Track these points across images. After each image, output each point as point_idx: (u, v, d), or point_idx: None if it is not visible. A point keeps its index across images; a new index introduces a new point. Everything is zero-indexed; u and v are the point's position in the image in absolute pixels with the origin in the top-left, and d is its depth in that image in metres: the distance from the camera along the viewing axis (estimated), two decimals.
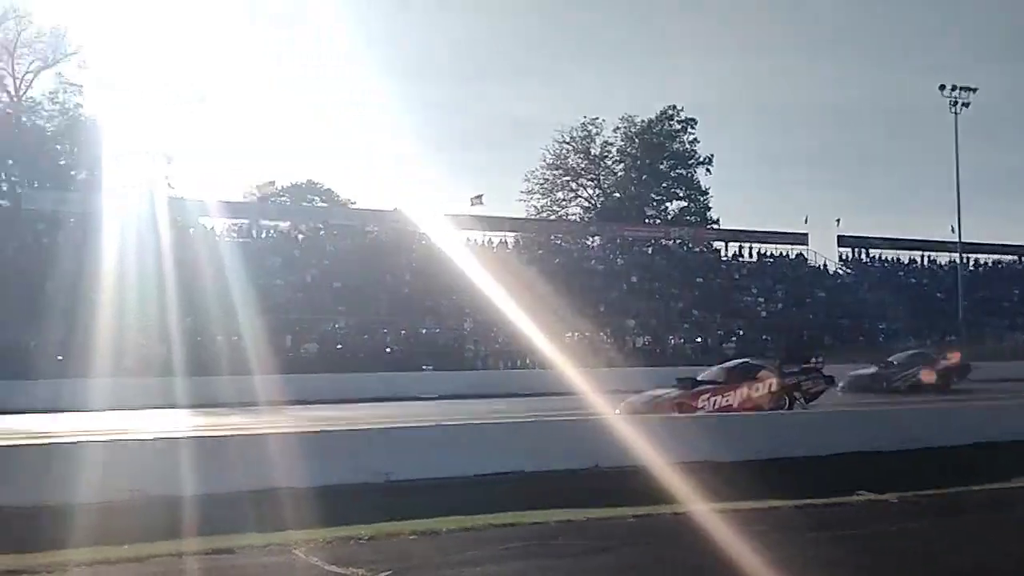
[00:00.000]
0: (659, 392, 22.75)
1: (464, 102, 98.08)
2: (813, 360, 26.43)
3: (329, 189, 64.11)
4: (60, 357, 31.70)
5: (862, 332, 48.16)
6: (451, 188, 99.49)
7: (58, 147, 44.95)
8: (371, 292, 43.55)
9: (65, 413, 24.90)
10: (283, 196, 60.34)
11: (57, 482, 12.63)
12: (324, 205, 60.08)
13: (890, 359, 35.25)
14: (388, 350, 39.70)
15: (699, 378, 23.76)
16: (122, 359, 30.72)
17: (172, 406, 26.81)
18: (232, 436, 16.45)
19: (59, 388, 28.36)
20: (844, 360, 32.99)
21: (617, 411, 20.72)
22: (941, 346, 39.45)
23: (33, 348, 32.50)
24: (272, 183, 57.70)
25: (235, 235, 46.65)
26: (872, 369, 34.49)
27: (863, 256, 60.93)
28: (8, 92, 47.11)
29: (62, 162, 44.20)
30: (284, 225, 50.16)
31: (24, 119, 47.31)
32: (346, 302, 42.48)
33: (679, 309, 49.09)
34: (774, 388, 23.83)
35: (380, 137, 70.42)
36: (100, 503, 12.00)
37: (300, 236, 49.39)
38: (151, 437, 15.68)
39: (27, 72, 47.33)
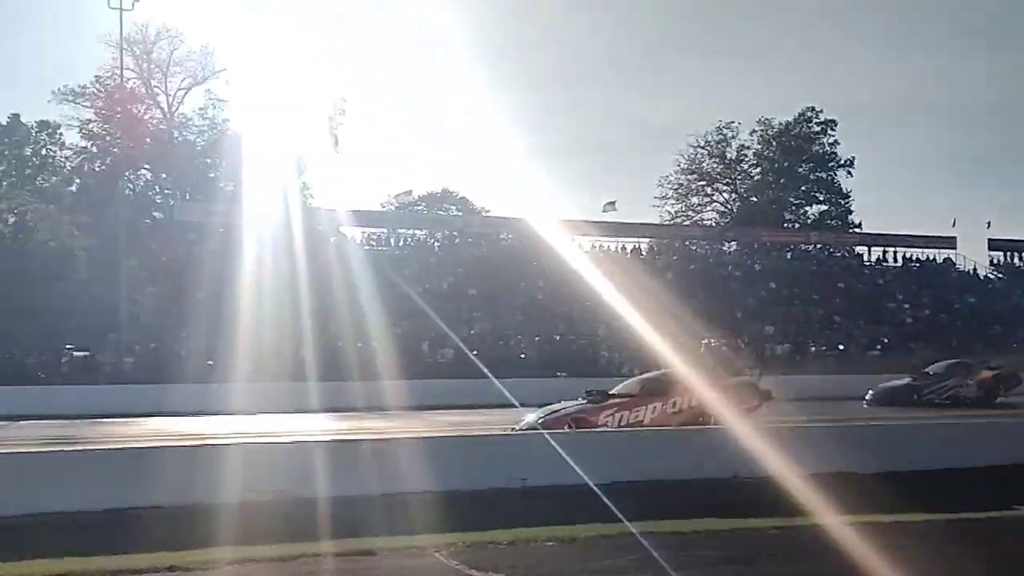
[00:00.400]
0: (559, 406, 21.12)
1: (596, 107, 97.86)
2: (747, 372, 24.48)
3: (464, 198, 65.06)
4: (210, 362, 33.02)
5: (1016, 340, 45.70)
6: (584, 194, 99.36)
7: (207, 160, 46.91)
8: (505, 299, 43.87)
9: (211, 416, 25.92)
10: (419, 205, 61.47)
11: (203, 483, 13.09)
12: (459, 214, 60.86)
13: (926, 369, 32.30)
14: (522, 356, 39.87)
15: (614, 391, 22.19)
16: (265, 365, 31.72)
17: (317, 410, 27.54)
18: (366, 440, 16.73)
19: (206, 392, 29.47)
20: None
21: (514, 428, 19.53)
22: (987, 356, 35.57)
23: (184, 354, 33.92)
24: (408, 192, 58.81)
25: (373, 244, 47.75)
26: (904, 380, 31.65)
27: (1016, 260, 57.90)
28: (161, 109, 49.49)
29: (211, 175, 46.06)
30: (420, 234, 51.04)
31: (176, 134, 49.55)
32: (481, 309, 42.90)
33: (820, 316, 47.67)
34: (694, 403, 21.79)
35: (513, 144, 70.75)
36: (242, 503, 12.35)
37: (436, 244, 50.18)
38: (292, 440, 16.11)
39: (178, 89, 49.70)
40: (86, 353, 37.35)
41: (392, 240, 49.09)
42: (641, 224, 56.12)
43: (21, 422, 26.20)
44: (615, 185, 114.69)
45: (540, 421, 19.76)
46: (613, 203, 51.08)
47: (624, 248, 51.64)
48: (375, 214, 52.08)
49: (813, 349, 43.44)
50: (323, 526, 11.36)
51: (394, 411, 26.79)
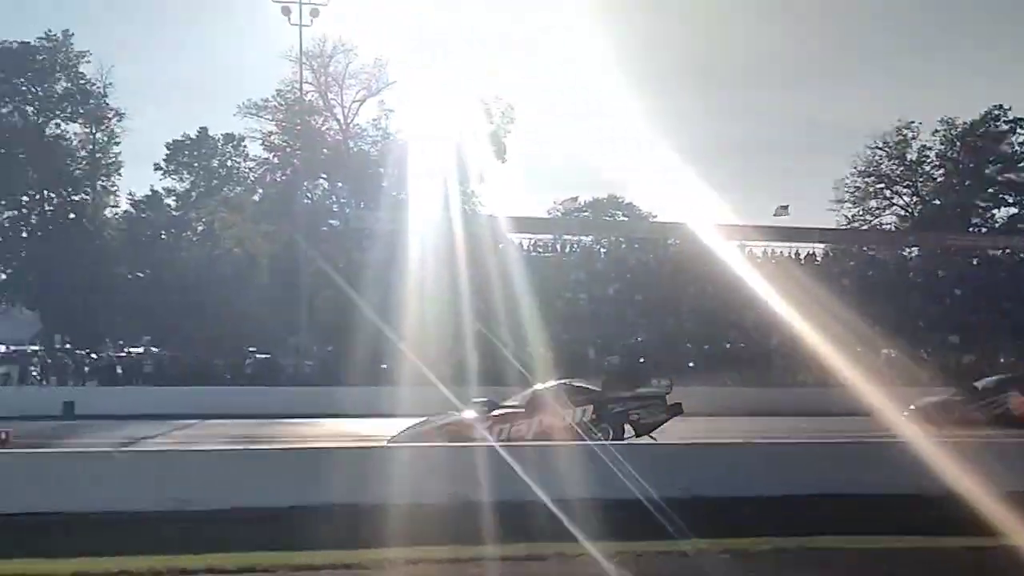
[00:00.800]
0: (438, 419, 20.55)
1: (767, 108, 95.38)
2: (656, 384, 22.90)
3: (630, 203, 64.54)
4: (384, 366, 33.96)
5: None
6: (754, 198, 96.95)
7: (380, 170, 48.26)
8: (673, 305, 43.29)
9: (381, 419, 26.63)
10: (585, 211, 61.42)
11: (375, 483, 13.41)
12: (626, 219, 60.45)
13: (976, 384, 29.66)
14: (691, 364, 39.25)
15: (507, 402, 21.45)
16: (430, 369, 32.33)
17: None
18: (530, 445, 16.80)
19: (376, 395, 30.25)
20: None
21: (388, 441, 18.94)
22: None
23: (357, 357, 34.93)
24: (575, 199, 58.84)
25: (539, 250, 48.00)
26: (942, 397, 28.96)
27: None
28: (337, 120, 51.29)
29: (383, 183, 47.40)
30: (586, 239, 51.00)
31: (351, 144, 51.25)
32: (648, 315, 42.50)
33: (1009, 325, 44.90)
34: (587, 417, 20.95)
35: (681, 147, 69.69)
36: (412, 504, 12.57)
37: (602, 250, 50.01)
38: (460, 444, 16.33)
39: (353, 101, 51.41)
40: (267, 356, 39.11)
41: (558, 246, 49.25)
42: (816, 229, 54.27)
43: (209, 421, 27.63)
44: (787, 188, 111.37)
45: (406, 433, 19.42)
46: (786, 207, 49.57)
47: (797, 254, 50.09)
48: (541, 220, 52.35)
49: (1002, 360, 40.98)
50: (491, 529, 11.43)
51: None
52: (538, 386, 22.32)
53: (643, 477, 13.54)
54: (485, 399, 21.37)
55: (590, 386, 22.66)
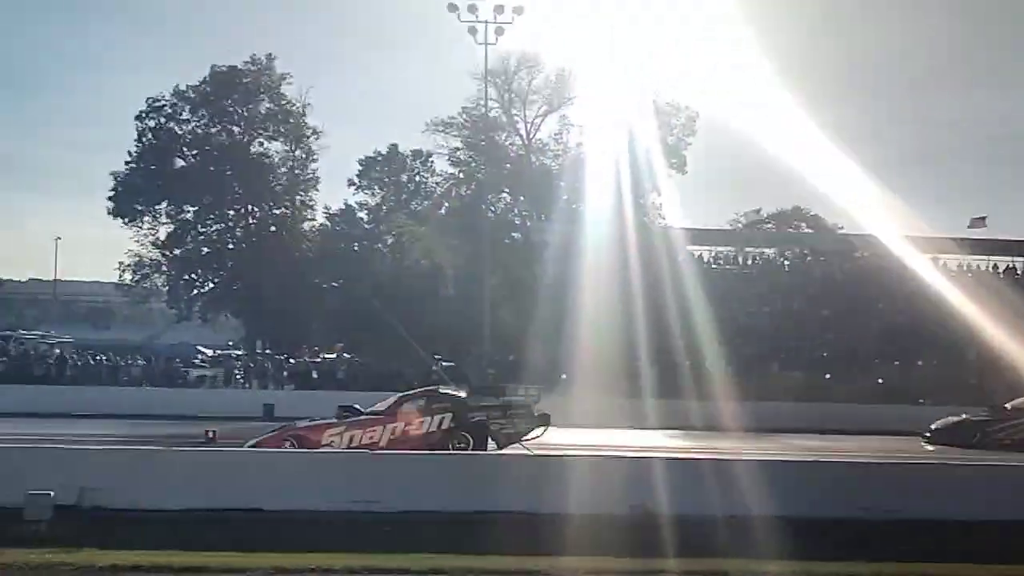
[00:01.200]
0: (296, 424, 20.20)
1: (960, 116, 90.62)
2: (523, 394, 21.98)
3: (815, 215, 62.56)
4: (564, 375, 34.44)
5: None
6: (948, 209, 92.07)
7: (561, 183, 48.85)
8: (861, 320, 41.81)
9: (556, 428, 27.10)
10: (768, 223, 60.04)
11: (552, 492, 13.76)
12: (810, 231, 58.74)
13: (1006, 404, 27.75)
14: (879, 381, 37.89)
15: (369, 408, 20.67)
16: (611, 380, 32.51)
17: (654, 427, 27.91)
18: (710, 459, 16.73)
19: (551, 404, 30.73)
20: None
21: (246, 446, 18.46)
22: None
23: (537, 366, 35.50)
24: (757, 211, 57.68)
25: (721, 263, 47.42)
26: (960, 417, 27.41)
27: None
28: (520, 136, 52.31)
29: (564, 197, 47.95)
30: (769, 252, 49.92)
31: (533, 159, 52.15)
32: (834, 330, 41.25)
33: None
34: (445, 425, 20.41)
35: (867, 157, 67.17)
36: (590, 515, 12.83)
37: (785, 263, 48.87)
38: (640, 456, 16.47)
39: (536, 116, 52.29)
40: (452, 364, 40.29)
41: (740, 259, 48.49)
42: (1016, 241, 51.25)
43: None
44: (983, 199, 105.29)
45: (255, 441, 19.17)
46: (983, 218, 47.06)
47: (995, 267, 47.46)
48: (722, 232, 51.62)
49: None
50: (669, 542, 11.54)
51: (735, 432, 26.50)
52: (404, 393, 22.27)
53: (827, 495, 13.37)
54: (348, 405, 21.22)
55: (456, 394, 22.53)
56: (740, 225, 56.85)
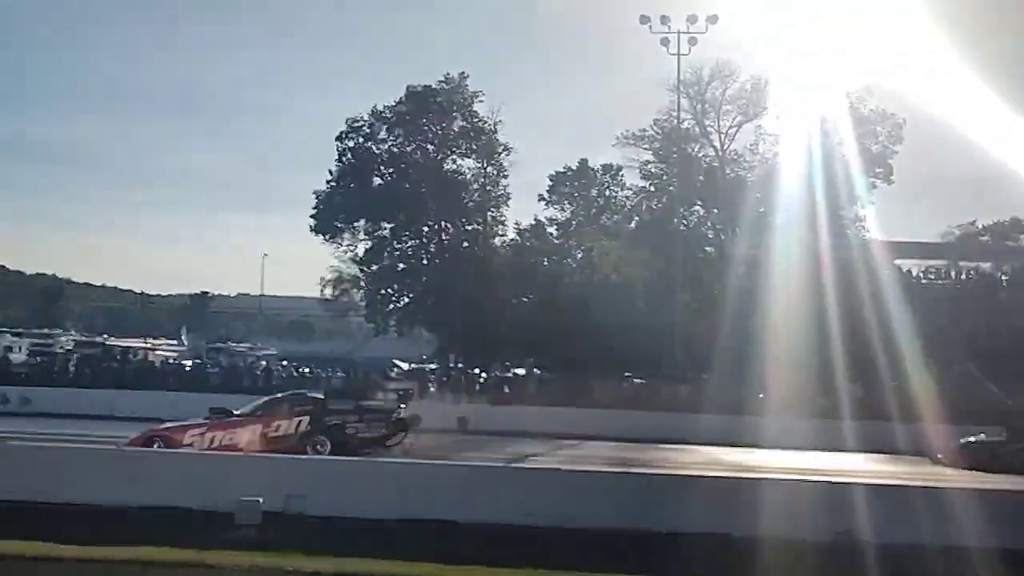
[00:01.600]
0: (166, 425, 20.39)
1: None
2: (383, 399, 22.13)
3: None
4: (761, 395, 33.44)
5: None
6: None
7: (757, 195, 47.52)
8: None
9: (746, 448, 26.30)
10: (984, 235, 56.48)
11: (744, 513, 13.25)
12: None
13: None
14: None
15: (240, 411, 20.53)
16: (810, 401, 31.36)
17: (853, 450, 26.69)
18: (918, 486, 15.78)
19: (737, 424, 30.23)
20: None
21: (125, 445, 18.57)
22: None
23: (730, 386, 34.59)
24: (973, 222, 54.35)
25: (932, 277, 44.97)
26: (979, 437, 25.40)
27: None
28: (713, 147, 51.23)
29: (760, 209, 46.61)
30: (985, 266, 46.92)
31: (727, 171, 50.99)
32: None
33: None
34: (303, 428, 20.89)
35: None
36: (786, 540, 12.27)
37: (1004, 278, 45.77)
38: (843, 481, 15.68)
39: (730, 127, 51.11)
40: (643, 381, 39.87)
41: (953, 273, 45.77)
42: None
43: (589, 442, 28.69)
44: None
45: (128, 440, 19.23)
46: None
47: None
48: (932, 245, 48.91)
49: None
50: (873, 572, 10.94)
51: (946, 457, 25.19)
52: (272, 397, 22.78)
53: None
54: (220, 407, 21.49)
55: (317, 397, 22.76)
56: (953, 237, 53.67)
